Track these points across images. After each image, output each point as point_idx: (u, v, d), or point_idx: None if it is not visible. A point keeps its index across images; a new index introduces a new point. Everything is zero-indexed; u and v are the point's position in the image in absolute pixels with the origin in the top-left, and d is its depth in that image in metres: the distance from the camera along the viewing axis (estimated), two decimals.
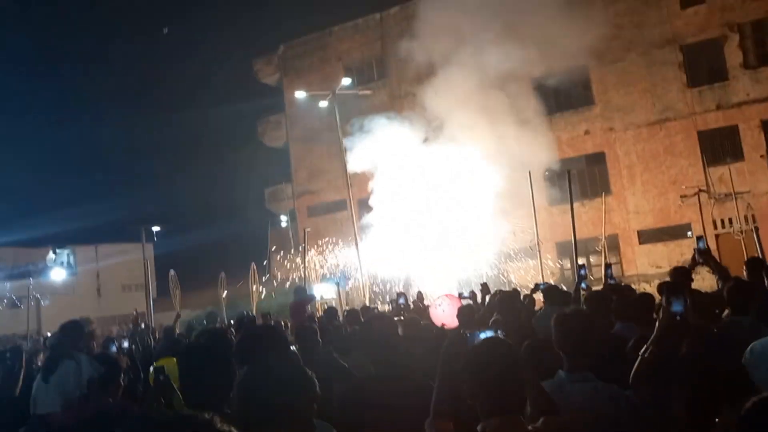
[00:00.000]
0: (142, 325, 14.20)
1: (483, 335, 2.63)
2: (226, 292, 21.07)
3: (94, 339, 5.58)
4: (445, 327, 6.18)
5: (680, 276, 5.76)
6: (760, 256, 9.57)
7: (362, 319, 7.13)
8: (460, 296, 7.87)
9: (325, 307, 11.18)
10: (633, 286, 8.65)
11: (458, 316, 5.74)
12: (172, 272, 22.82)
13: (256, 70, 33.17)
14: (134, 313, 16.18)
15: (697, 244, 5.90)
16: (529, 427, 2.36)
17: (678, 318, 3.15)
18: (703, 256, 5.79)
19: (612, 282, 7.80)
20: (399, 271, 20.90)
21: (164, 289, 26.52)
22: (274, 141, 33.36)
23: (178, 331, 10.33)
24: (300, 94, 25.05)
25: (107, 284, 41.39)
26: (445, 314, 7.28)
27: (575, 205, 15.33)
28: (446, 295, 8.43)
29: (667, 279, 6.04)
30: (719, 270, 5.60)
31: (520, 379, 2.36)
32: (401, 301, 6.07)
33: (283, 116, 32.25)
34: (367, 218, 23.21)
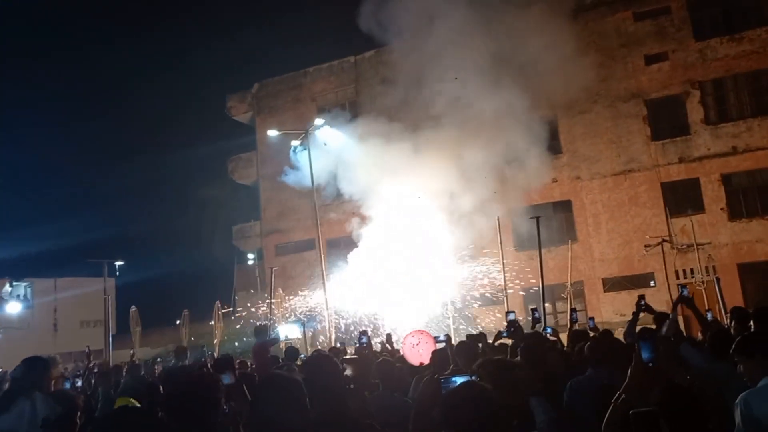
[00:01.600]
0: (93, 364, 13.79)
1: (459, 380, 2.61)
2: (186, 330, 20.69)
3: (50, 376, 5.39)
4: (422, 365, 6.12)
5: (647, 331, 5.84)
6: (722, 306, 9.75)
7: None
8: (436, 340, 7.80)
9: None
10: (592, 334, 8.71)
11: (432, 359, 5.70)
12: (133, 308, 22.35)
13: (229, 107, 33.23)
14: (86, 350, 15.74)
15: (681, 291, 6.00)
16: None
17: (650, 365, 3.18)
18: (687, 303, 5.90)
19: (575, 326, 7.87)
20: (366, 313, 20.78)
21: (124, 325, 25.93)
22: (244, 178, 33.27)
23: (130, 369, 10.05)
24: (272, 133, 25.14)
25: (65, 319, 40.25)
26: (422, 352, 7.15)
27: (542, 251, 15.54)
28: (420, 332, 8.31)
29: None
30: (701, 317, 5.71)
31: (499, 426, 2.35)
32: (363, 340, 5.92)
33: (254, 154, 32.25)
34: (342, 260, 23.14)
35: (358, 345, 5.97)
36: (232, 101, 33.11)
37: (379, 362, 5.46)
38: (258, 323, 12.39)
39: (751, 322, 5.35)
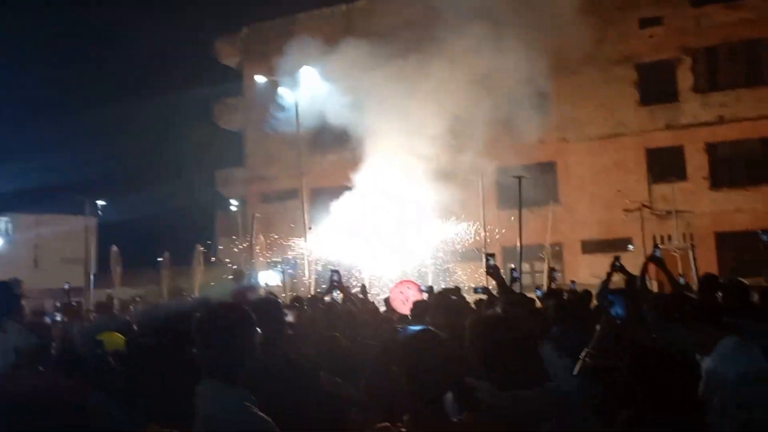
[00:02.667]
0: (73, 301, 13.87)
1: (415, 328, 2.67)
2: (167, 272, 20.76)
3: (23, 305, 5.30)
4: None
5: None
6: (694, 273, 9.95)
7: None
8: (421, 290, 7.94)
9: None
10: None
11: (412, 309, 5.77)
12: (114, 248, 22.37)
13: (217, 50, 32.62)
14: (66, 287, 15.76)
15: (653, 251, 6.06)
16: (453, 420, 2.42)
17: (618, 322, 3.26)
18: (658, 264, 5.99)
19: (555, 285, 8.03)
20: (346, 263, 20.92)
21: (105, 264, 25.90)
22: (229, 124, 32.91)
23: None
24: (260, 79, 24.76)
25: (45, 256, 40.07)
26: (408, 303, 7.21)
27: (524, 211, 15.70)
28: (409, 282, 8.41)
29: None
30: (673, 280, 5.81)
31: (447, 373, 2.41)
32: (335, 278, 5.88)
33: (241, 99, 31.82)
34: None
35: (327, 285, 5.95)
36: (220, 44, 32.49)
37: (335, 311, 5.56)
38: (235, 266, 12.44)
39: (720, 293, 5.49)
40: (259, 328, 2.53)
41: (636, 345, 3.20)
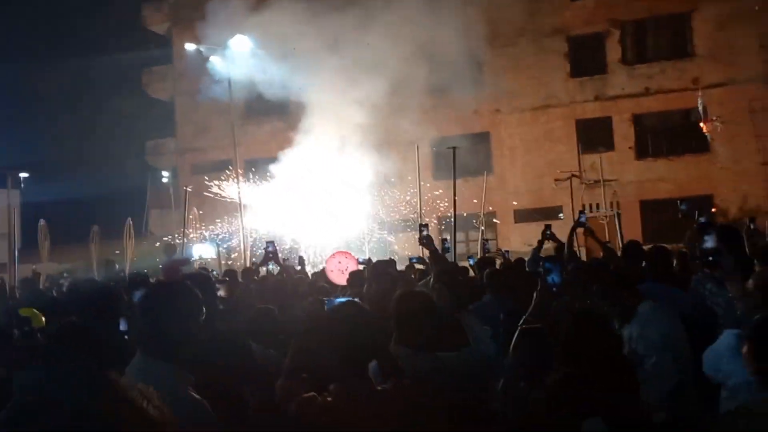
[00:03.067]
0: None
1: (339, 300, 2.69)
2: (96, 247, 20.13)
3: None
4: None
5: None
6: (620, 239, 10.34)
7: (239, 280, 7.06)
8: (358, 262, 7.95)
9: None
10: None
11: (349, 280, 5.80)
12: (42, 222, 21.50)
13: (144, 16, 31.39)
14: None
15: (579, 217, 6.21)
16: (378, 388, 2.45)
17: (554, 289, 3.35)
18: (587, 230, 6.17)
19: (488, 254, 8.21)
20: (283, 233, 20.77)
21: (31, 239, 24.86)
22: (159, 93, 31.87)
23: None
24: (189, 47, 24.01)
25: None
26: (345, 274, 7.23)
27: (458, 181, 15.82)
28: (344, 253, 8.41)
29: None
30: (603, 245, 6.00)
31: (371, 343, 2.45)
32: (270, 248, 5.80)
33: (170, 68, 30.82)
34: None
35: (263, 257, 5.90)
36: (147, 10, 31.26)
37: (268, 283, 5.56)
38: (167, 240, 12.17)
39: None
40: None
41: (572, 311, 3.31)
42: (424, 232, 5.35)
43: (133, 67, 31.98)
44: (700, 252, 3.03)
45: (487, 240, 9.23)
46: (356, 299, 2.61)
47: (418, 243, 5.40)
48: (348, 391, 2.38)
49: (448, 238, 9.22)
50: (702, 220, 3.55)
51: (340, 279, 7.70)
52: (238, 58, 22.23)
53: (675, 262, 6.29)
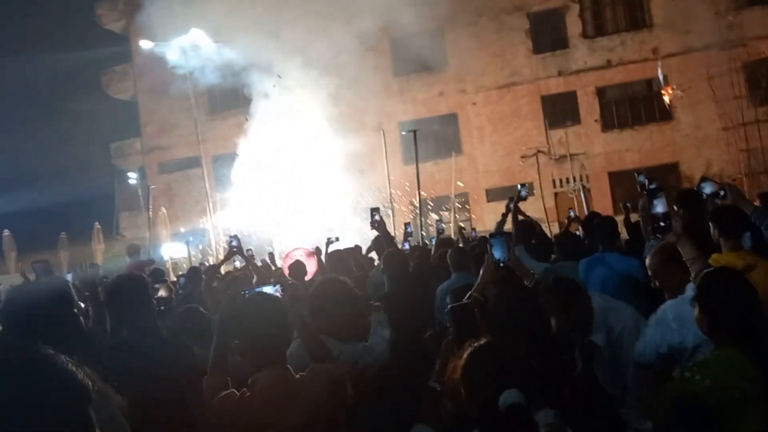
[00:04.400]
0: None
1: (252, 292, 2.71)
2: (66, 253, 19.81)
3: None
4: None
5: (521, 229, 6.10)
6: (586, 211, 10.42)
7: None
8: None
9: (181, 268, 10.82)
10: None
11: (290, 271, 5.80)
12: (6, 232, 21.08)
13: (99, 15, 30.71)
14: None
15: (520, 192, 6.24)
16: (297, 376, 2.47)
17: (501, 265, 3.36)
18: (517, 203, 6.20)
19: (442, 235, 8.27)
20: (253, 230, 20.63)
21: None
22: (120, 93, 31.29)
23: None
24: (146, 44, 23.56)
25: None
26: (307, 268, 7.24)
27: (429, 164, 15.91)
28: (296, 250, 8.42)
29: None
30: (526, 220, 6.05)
31: (285, 331, 2.49)
32: (234, 243, 5.75)
33: (130, 66, 30.27)
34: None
35: (227, 249, 5.87)
36: (102, 9, 30.58)
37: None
38: (131, 243, 11.98)
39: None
40: (119, 305, 2.48)
41: (506, 285, 3.35)
42: (376, 217, 5.38)
43: (91, 68, 31.35)
44: (651, 218, 3.04)
45: (440, 220, 9.35)
46: (278, 289, 2.63)
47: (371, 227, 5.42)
48: (263, 383, 2.40)
49: (410, 222, 9.24)
50: (652, 186, 3.56)
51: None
52: (196, 51, 21.91)
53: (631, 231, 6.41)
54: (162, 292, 5.24)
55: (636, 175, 5.22)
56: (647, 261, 3.37)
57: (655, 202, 2.98)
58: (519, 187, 6.37)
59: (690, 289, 2.86)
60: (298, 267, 6.25)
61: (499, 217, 7.01)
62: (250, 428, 2.37)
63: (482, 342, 2.06)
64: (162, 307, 4.71)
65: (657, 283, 3.49)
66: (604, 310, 3.45)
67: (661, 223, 2.95)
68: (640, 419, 3.04)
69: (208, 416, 2.49)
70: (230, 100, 27.29)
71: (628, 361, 3.35)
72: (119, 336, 3.22)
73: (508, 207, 6.33)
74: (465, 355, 2.03)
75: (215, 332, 2.56)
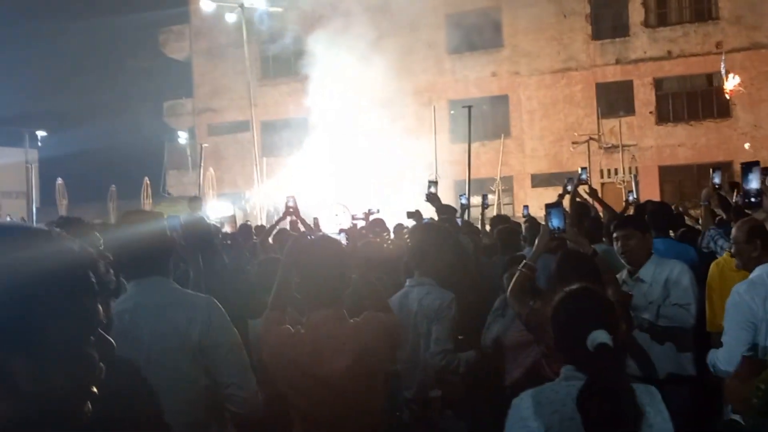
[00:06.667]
0: None
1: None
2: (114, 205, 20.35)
3: None
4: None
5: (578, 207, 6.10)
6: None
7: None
8: (369, 212, 8.02)
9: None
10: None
11: (346, 233, 5.89)
12: (59, 181, 21.75)
13: None
14: (8, 219, 15.34)
15: (580, 175, 6.22)
16: (351, 321, 2.51)
17: (556, 234, 3.37)
18: (591, 192, 6.18)
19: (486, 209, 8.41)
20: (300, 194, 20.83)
21: (48, 198, 25.15)
22: (176, 52, 31.73)
23: None
24: (206, 5, 23.81)
25: None
26: (336, 220, 7.33)
27: (475, 144, 15.82)
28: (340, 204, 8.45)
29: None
30: (605, 205, 6.04)
31: (343, 274, 2.51)
32: (290, 203, 5.79)
33: (187, 27, 30.64)
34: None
35: (285, 209, 5.93)
36: None
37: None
38: (193, 196, 12.20)
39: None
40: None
41: (569, 250, 3.39)
42: (432, 189, 5.43)
43: (150, 26, 31.84)
44: (743, 192, 2.99)
45: (485, 196, 9.31)
46: (342, 237, 2.72)
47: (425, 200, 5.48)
48: (316, 322, 2.46)
49: (464, 194, 9.28)
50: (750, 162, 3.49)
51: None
52: (254, 15, 22.04)
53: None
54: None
55: (711, 170, 5.16)
56: (732, 232, 3.33)
57: (750, 176, 2.94)
58: (580, 170, 6.35)
59: (759, 270, 2.85)
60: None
61: (543, 202, 6.98)
62: (298, 364, 2.44)
63: (576, 286, 2.11)
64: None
65: (735, 258, 3.49)
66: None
67: (753, 199, 2.91)
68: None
69: (263, 347, 2.58)
70: (282, 67, 27.44)
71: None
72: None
73: (565, 189, 6.31)
74: (558, 297, 2.09)
75: (280, 268, 2.63)
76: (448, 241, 3.73)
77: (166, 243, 2.67)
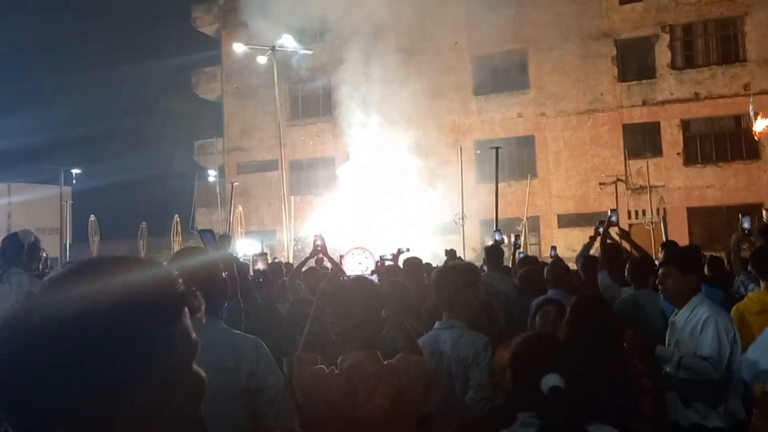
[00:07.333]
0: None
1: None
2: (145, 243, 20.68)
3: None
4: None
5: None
6: None
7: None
8: (382, 258, 8.08)
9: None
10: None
11: (377, 273, 5.91)
12: (92, 218, 22.23)
13: (194, 18, 32.10)
14: (43, 255, 15.65)
15: (610, 217, 6.14)
16: (385, 362, 2.49)
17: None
18: (622, 234, 6.17)
19: (520, 252, 8.32)
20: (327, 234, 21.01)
21: (80, 234, 25.65)
22: (207, 93, 32.55)
23: None
24: (238, 47, 24.49)
25: (19, 225, 39.54)
26: (361, 266, 7.39)
27: (502, 185, 15.89)
28: (360, 248, 8.56)
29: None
30: (637, 247, 6.01)
31: (380, 317, 2.51)
32: (318, 242, 5.83)
33: (219, 68, 31.47)
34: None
35: (313, 248, 6.01)
36: (198, 12, 31.96)
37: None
38: (223, 234, 12.41)
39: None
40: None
41: (583, 295, 3.51)
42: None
43: (183, 68, 32.73)
44: None
45: (518, 237, 9.26)
46: (375, 277, 2.75)
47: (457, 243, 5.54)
48: (351, 363, 2.44)
49: (498, 230, 9.32)
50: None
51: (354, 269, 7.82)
52: (285, 57, 22.57)
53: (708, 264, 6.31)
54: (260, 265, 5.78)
55: (740, 216, 5.14)
56: None
57: None
58: (609, 212, 6.31)
59: None
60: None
61: (569, 243, 6.99)
62: (333, 405, 2.42)
63: (532, 333, 2.20)
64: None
65: None
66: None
67: None
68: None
69: (296, 388, 2.56)
70: (311, 108, 27.97)
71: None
72: None
73: (597, 231, 6.27)
74: (516, 342, 2.16)
75: (313, 309, 2.64)
76: (478, 282, 3.74)
77: (219, 282, 2.69)
